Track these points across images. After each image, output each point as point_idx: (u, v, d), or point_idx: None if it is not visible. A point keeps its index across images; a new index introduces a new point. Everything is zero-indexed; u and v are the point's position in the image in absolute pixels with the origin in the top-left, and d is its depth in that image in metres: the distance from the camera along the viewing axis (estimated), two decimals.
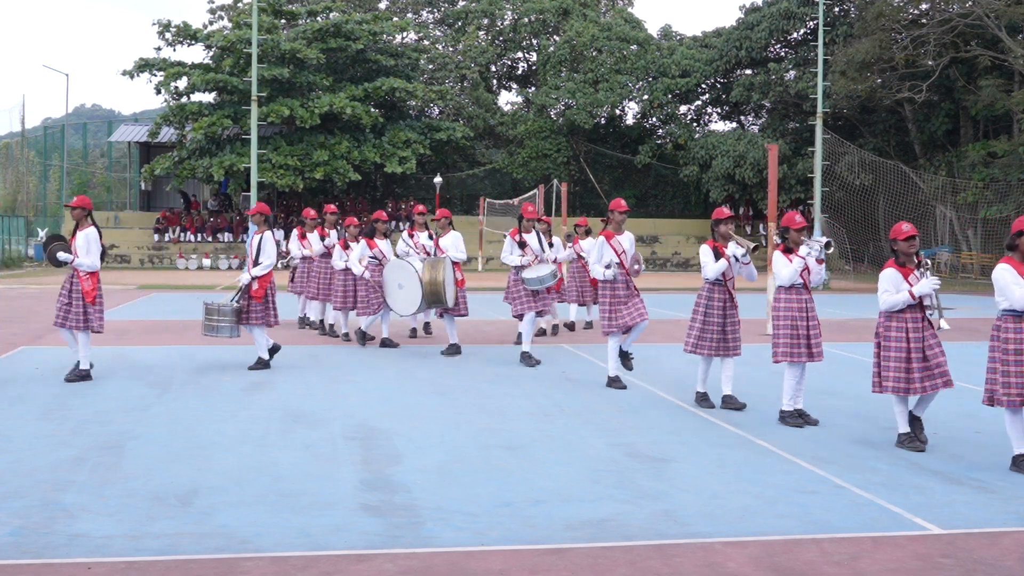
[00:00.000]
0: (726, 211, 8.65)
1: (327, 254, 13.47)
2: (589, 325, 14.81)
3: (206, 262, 34.96)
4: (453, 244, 11.85)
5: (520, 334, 13.52)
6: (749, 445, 7.10)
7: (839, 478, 6.16)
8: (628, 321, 9.19)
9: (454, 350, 11.77)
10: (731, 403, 8.47)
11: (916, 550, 4.84)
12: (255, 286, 10.46)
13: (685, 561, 4.63)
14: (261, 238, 10.61)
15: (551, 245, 12.29)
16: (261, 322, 10.52)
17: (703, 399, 8.65)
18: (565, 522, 5.19)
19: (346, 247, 12.81)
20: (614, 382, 9.50)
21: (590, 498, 5.65)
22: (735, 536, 5.00)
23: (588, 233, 14.43)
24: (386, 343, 12.48)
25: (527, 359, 10.93)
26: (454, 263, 11.74)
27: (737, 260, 8.36)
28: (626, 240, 9.50)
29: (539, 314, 11.30)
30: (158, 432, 7.30)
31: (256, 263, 10.53)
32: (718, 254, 8.39)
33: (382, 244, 12.57)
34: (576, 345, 12.86)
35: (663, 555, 4.72)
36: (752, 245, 8.39)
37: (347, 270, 12.78)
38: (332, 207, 13.96)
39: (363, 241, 12.53)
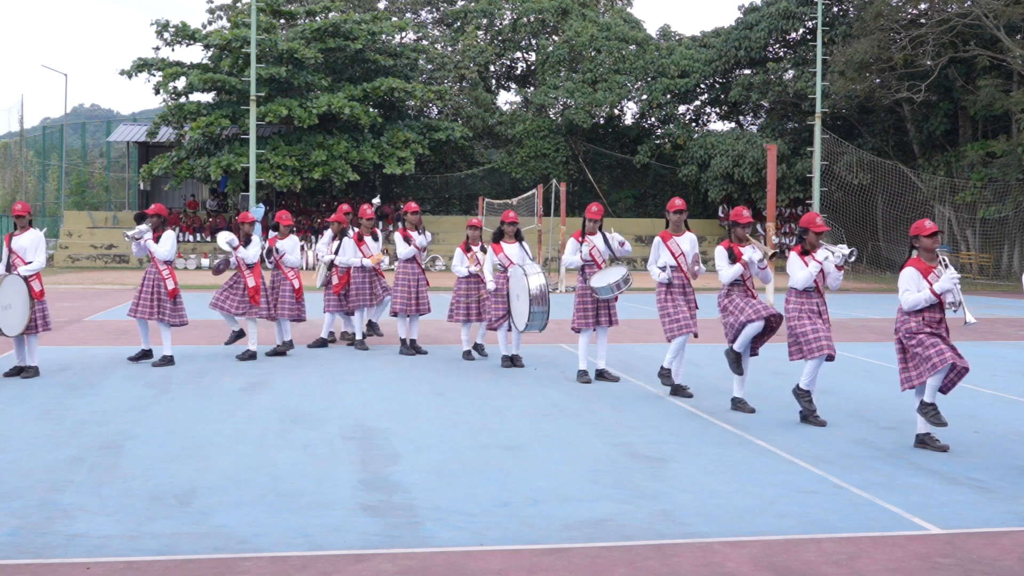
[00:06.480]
0: (746, 215, 8.35)
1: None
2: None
3: (204, 262, 34.94)
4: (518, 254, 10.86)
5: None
6: (748, 445, 7.10)
7: (838, 478, 6.16)
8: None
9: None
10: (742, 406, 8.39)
11: (915, 550, 4.83)
12: (37, 287, 9.43)
13: (684, 561, 4.63)
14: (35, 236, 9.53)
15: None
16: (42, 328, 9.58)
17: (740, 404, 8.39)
18: (563, 522, 5.19)
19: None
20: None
21: (588, 498, 5.65)
22: (734, 536, 4.99)
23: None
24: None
25: (582, 376, 9.89)
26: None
27: (754, 263, 8.23)
28: (686, 242, 8.95)
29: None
30: (156, 432, 7.30)
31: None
32: (733, 256, 8.21)
33: (509, 249, 10.93)
34: (575, 345, 12.85)
35: (662, 555, 4.71)
36: (770, 252, 8.30)
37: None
38: (413, 205, 12.40)
39: (490, 248, 11.11)
